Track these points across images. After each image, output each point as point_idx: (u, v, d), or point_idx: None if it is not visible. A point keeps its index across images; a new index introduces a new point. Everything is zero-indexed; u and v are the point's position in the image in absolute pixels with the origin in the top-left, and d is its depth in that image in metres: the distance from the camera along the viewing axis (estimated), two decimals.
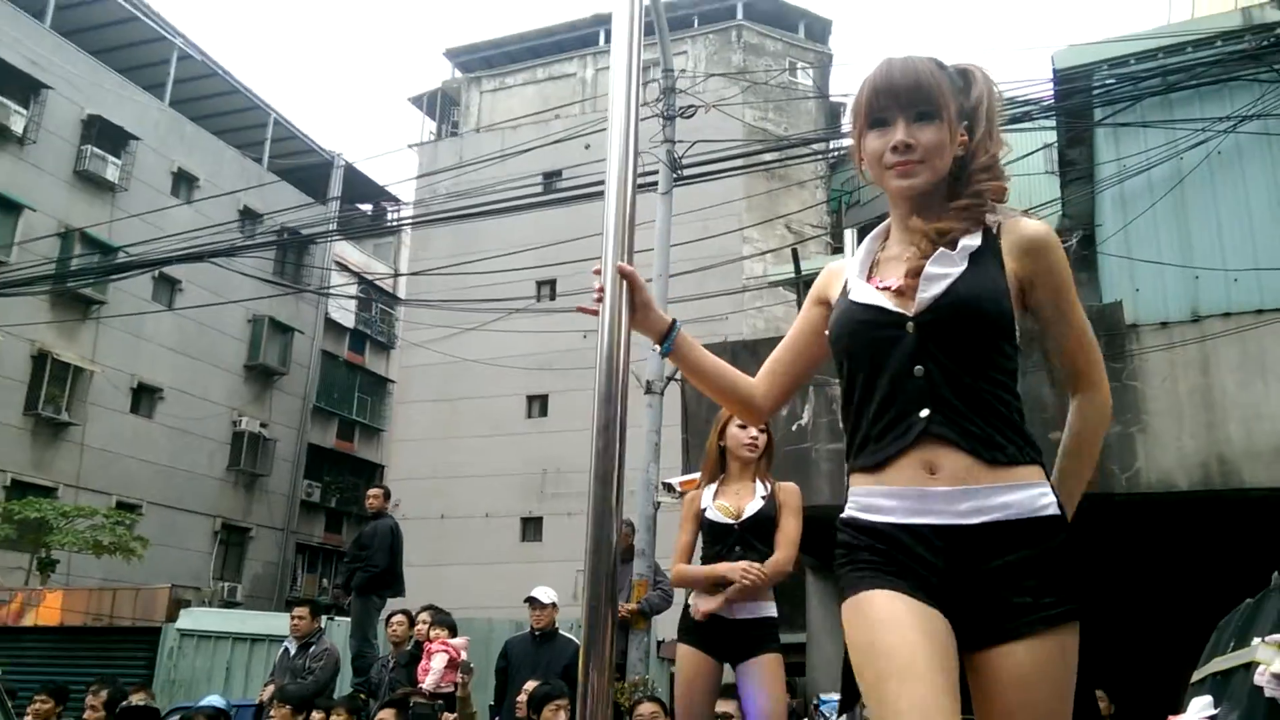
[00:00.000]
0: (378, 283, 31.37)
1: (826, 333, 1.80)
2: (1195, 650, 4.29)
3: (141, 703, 6.99)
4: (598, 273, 1.84)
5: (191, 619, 12.57)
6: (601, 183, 1.90)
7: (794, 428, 8.81)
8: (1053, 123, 10.16)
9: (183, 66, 24.93)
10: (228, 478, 25.36)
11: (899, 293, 1.66)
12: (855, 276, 1.77)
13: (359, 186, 29.54)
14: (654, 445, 8.73)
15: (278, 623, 10.76)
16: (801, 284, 11.76)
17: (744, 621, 3.58)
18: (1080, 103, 9.42)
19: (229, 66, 26.61)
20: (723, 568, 3.56)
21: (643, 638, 7.77)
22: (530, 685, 5.54)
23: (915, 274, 1.64)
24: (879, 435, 1.65)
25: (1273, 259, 8.16)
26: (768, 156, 16.77)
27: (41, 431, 20.77)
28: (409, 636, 7.16)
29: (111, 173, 22.31)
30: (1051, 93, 9.46)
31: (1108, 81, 9.11)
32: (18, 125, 20.52)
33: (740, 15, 25.88)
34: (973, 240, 1.65)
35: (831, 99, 25.25)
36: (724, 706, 4.46)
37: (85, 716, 6.74)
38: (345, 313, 30.03)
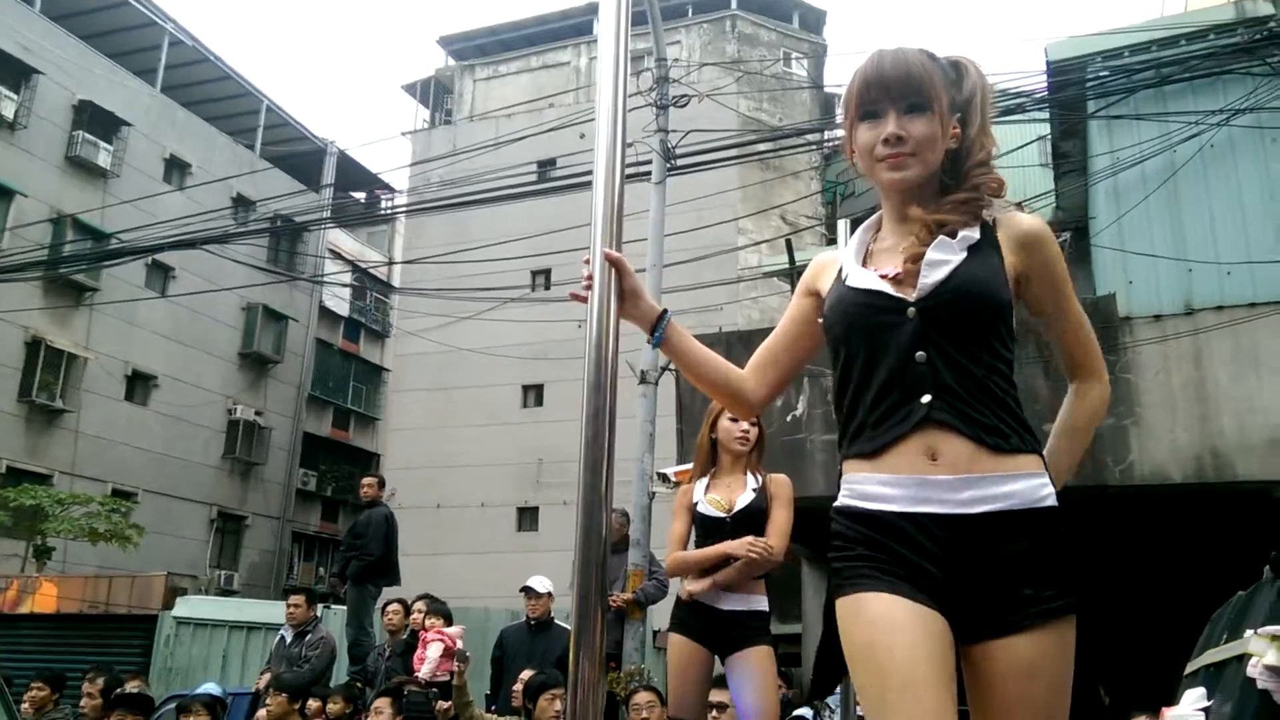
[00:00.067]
0: (372, 271, 31.30)
1: (820, 321, 1.79)
2: (1189, 642, 4.31)
3: (135, 690, 6.98)
4: (587, 262, 1.83)
5: (188, 607, 12.55)
6: None
7: (788, 418, 8.82)
8: (1046, 115, 10.16)
9: (174, 52, 24.77)
10: (223, 466, 25.33)
11: (897, 281, 1.65)
12: (851, 263, 1.75)
13: (352, 174, 29.43)
14: (648, 435, 8.74)
15: (274, 611, 10.77)
16: (795, 275, 11.76)
17: (734, 613, 3.58)
18: (1074, 95, 9.41)
19: (221, 52, 26.61)
20: (726, 545, 3.55)
21: (638, 627, 7.79)
22: (526, 674, 5.55)
23: (916, 260, 1.63)
24: (877, 421, 1.63)
25: (1265, 252, 8.18)
26: (762, 147, 16.70)
27: (36, 418, 20.73)
28: (405, 625, 7.17)
29: (103, 159, 22.19)
30: (1045, 85, 9.47)
31: (1101, 74, 9.11)
32: (8, 110, 20.40)
33: (734, 5, 25.80)
34: (971, 232, 1.65)
35: (826, 89, 25.21)
36: (718, 696, 4.47)
37: (82, 704, 6.74)
38: (339, 301, 29.96)
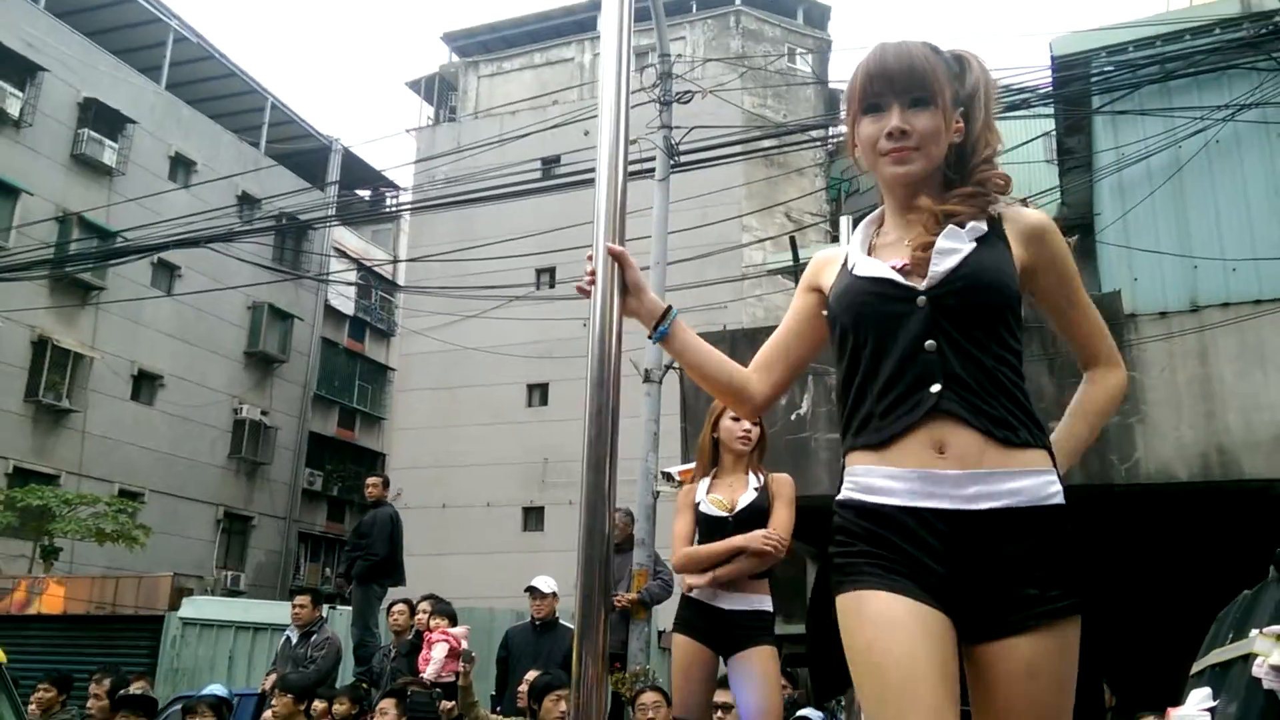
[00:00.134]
0: (377, 269, 31.31)
1: (824, 314, 1.78)
2: (1195, 642, 4.28)
3: (139, 691, 7.00)
4: (590, 258, 1.82)
5: (194, 608, 12.57)
6: None
7: (793, 417, 8.81)
8: (1051, 110, 10.13)
9: (179, 49, 24.80)
10: (229, 466, 25.37)
11: (905, 272, 1.63)
12: (857, 253, 1.73)
13: (357, 172, 29.44)
14: (653, 434, 8.72)
15: (280, 611, 10.77)
16: (800, 272, 11.71)
17: (737, 613, 3.57)
18: (1079, 90, 9.39)
19: (225, 50, 26.53)
20: (741, 538, 3.54)
21: (643, 628, 7.78)
22: (531, 675, 5.56)
23: (926, 248, 1.61)
24: (884, 412, 1.60)
25: (1271, 249, 8.15)
26: (766, 143, 16.69)
27: (42, 418, 20.77)
28: (410, 626, 7.17)
29: (109, 156, 22.23)
30: (1050, 80, 9.43)
31: (1106, 69, 9.09)
32: (14, 108, 20.41)
33: (739, 1, 25.76)
34: (979, 224, 1.64)
35: (830, 85, 25.13)
36: (723, 696, 4.46)
37: (88, 705, 6.76)
38: (345, 300, 29.98)
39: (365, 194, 30.82)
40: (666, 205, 9.59)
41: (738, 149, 13.12)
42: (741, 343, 8.84)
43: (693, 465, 4.43)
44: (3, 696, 4.77)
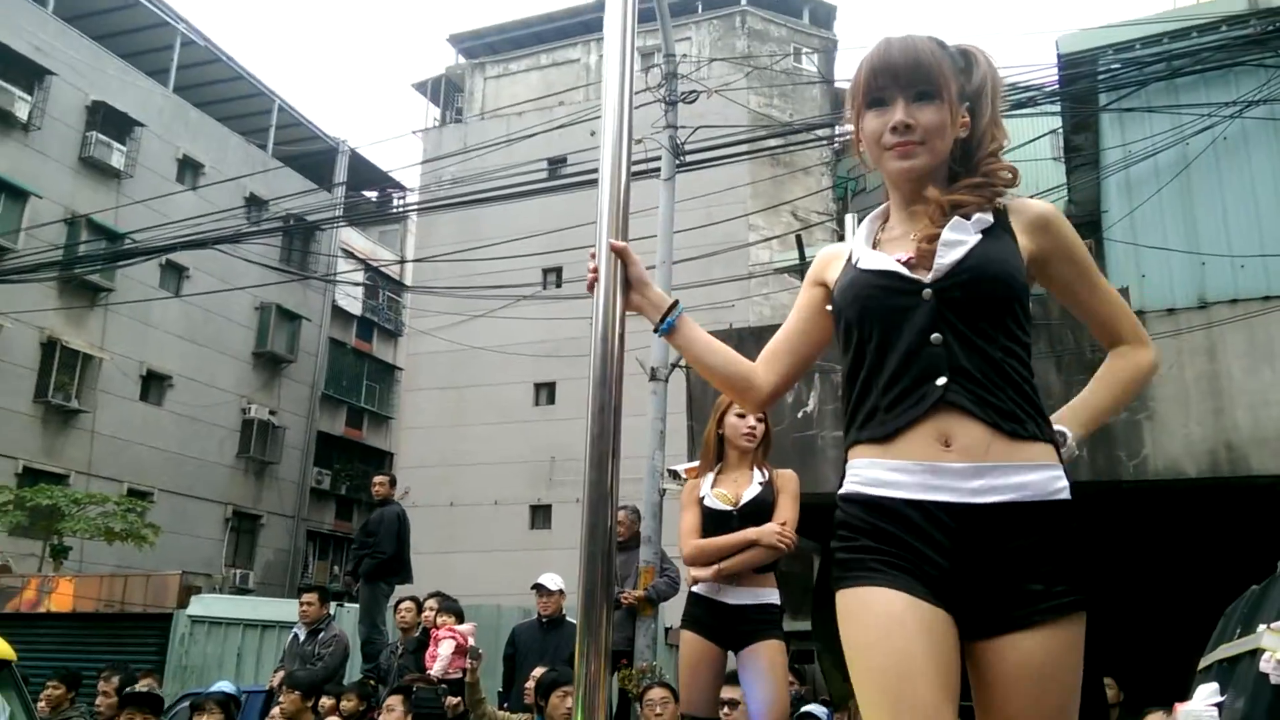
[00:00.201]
0: (384, 269, 31.37)
1: (829, 308, 1.77)
2: (1203, 637, 4.28)
3: (146, 689, 7.03)
4: (594, 255, 1.82)
5: (203, 605, 12.61)
6: None
7: (799, 415, 8.81)
8: (1058, 108, 10.10)
9: (186, 52, 24.89)
10: (238, 465, 25.45)
11: (909, 265, 1.62)
12: (862, 247, 1.73)
13: (364, 173, 29.51)
14: (659, 433, 8.73)
15: (288, 609, 10.81)
16: (806, 271, 11.72)
17: (744, 607, 3.57)
18: (1085, 88, 9.35)
19: (232, 52, 26.65)
20: (753, 531, 3.54)
21: (650, 624, 7.79)
22: (538, 672, 5.57)
23: (931, 240, 1.60)
24: (890, 405, 1.58)
25: (1279, 245, 8.12)
26: (772, 142, 16.71)
27: (52, 419, 20.86)
28: (417, 623, 7.19)
29: (116, 159, 22.31)
30: (1056, 78, 9.41)
31: (1113, 66, 9.05)
32: (22, 111, 20.51)
33: (744, 1, 25.75)
34: (985, 216, 1.62)
35: (836, 85, 25.09)
36: (730, 692, 4.47)
37: (98, 703, 6.80)
38: (352, 300, 30.06)
39: (372, 195, 30.90)
40: (672, 205, 9.59)
41: (743, 148, 13.12)
42: (748, 341, 8.83)
43: (698, 463, 4.44)
44: (14, 694, 4.80)
